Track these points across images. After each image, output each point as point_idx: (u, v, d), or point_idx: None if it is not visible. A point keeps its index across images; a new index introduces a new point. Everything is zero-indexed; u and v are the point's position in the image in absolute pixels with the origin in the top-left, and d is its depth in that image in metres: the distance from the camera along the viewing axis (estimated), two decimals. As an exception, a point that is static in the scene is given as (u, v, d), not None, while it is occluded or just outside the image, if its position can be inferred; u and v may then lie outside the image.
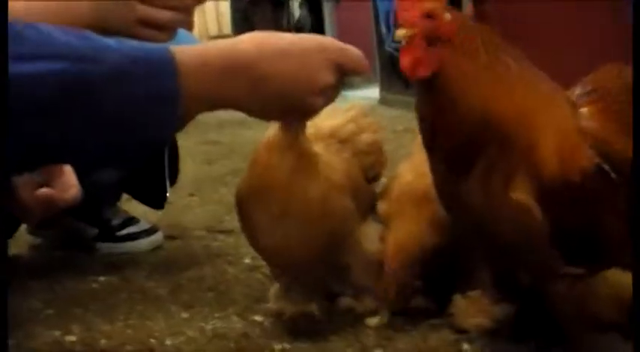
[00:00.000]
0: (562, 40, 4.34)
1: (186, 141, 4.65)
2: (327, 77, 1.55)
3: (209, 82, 1.45)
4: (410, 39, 1.56)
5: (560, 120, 1.62)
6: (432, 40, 1.56)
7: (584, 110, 1.69)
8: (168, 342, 2.01)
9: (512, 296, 1.81)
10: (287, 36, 1.57)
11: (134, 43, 1.46)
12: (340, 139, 2.05)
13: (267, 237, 1.85)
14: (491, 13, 4.89)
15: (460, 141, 1.57)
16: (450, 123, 1.57)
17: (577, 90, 1.77)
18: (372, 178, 2.12)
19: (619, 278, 1.56)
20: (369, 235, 1.99)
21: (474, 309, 1.90)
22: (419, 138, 1.78)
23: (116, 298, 2.30)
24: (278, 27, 8.20)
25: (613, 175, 1.57)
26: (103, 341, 2.02)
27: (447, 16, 1.56)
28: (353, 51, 1.63)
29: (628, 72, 1.72)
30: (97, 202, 2.70)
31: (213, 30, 10.34)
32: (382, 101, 6.62)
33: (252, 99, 1.54)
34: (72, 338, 2.04)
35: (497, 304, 1.84)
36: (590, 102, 1.72)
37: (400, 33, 1.57)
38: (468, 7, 5.15)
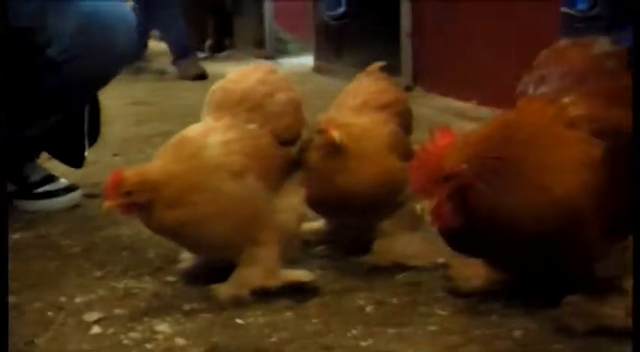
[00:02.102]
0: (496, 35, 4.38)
1: (117, 102, 4.61)
2: None
3: None
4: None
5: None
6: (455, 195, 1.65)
7: (566, 100, 1.75)
8: (78, 300, 2.00)
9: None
10: None
11: None
12: (249, 106, 2.03)
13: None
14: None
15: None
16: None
17: (545, 73, 1.84)
18: (289, 140, 2.09)
19: None
20: (283, 209, 2.00)
21: (471, 273, 1.96)
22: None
23: (28, 255, 2.28)
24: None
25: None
26: (12, 298, 1.99)
27: (464, 166, 1.64)
28: None
29: (587, 49, 1.82)
30: (16, 159, 2.66)
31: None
32: (316, 69, 6.60)
33: None
34: (-20, 294, 2.02)
35: (493, 269, 1.92)
36: (570, 89, 1.77)
37: (424, 207, 1.77)
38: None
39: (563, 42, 1.92)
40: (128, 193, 1.82)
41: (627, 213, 1.62)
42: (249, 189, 1.91)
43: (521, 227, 1.63)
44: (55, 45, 2.45)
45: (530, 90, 1.83)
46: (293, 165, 2.08)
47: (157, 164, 1.91)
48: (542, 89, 1.81)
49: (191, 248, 2.05)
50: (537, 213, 1.62)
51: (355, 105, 2.18)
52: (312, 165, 2.04)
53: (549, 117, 1.72)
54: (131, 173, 1.84)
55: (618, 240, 1.67)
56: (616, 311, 1.72)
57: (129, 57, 2.63)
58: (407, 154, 2.06)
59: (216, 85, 2.09)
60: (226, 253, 1.97)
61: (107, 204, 1.83)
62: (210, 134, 1.94)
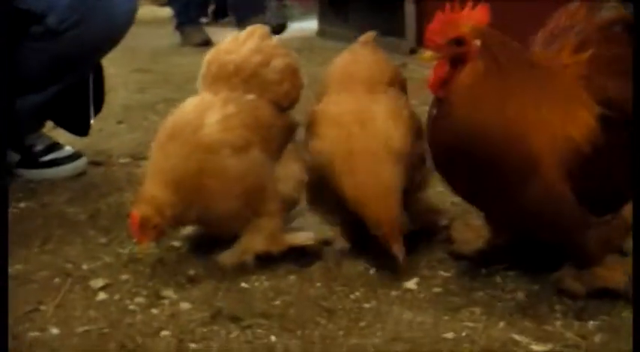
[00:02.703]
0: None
1: (119, 70, 4.60)
2: None
3: None
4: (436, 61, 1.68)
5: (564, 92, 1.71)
6: (455, 63, 1.67)
7: (573, 63, 1.77)
8: (84, 267, 2.02)
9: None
10: None
11: None
12: (245, 76, 2.00)
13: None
14: None
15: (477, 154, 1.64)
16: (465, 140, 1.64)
17: (556, 34, 1.85)
18: (289, 105, 2.09)
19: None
20: (286, 177, 2.00)
21: (473, 235, 1.97)
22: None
23: (34, 224, 2.29)
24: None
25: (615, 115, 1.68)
26: (18, 266, 2.01)
27: (476, 42, 1.65)
28: None
29: (595, 11, 1.84)
30: (20, 128, 2.66)
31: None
32: (320, 33, 6.56)
33: None
34: (-14, 263, 2.03)
35: (495, 232, 1.93)
36: (576, 52, 1.79)
37: (425, 55, 1.69)
38: None
39: (574, 3, 1.91)
40: (155, 227, 1.86)
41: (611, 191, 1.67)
42: (253, 162, 1.91)
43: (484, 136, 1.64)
44: (53, 14, 2.44)
45: (540, 47, 1.85)
46: (292, 131, 2.08)
47: (159, 169, 1.91)
48: (551, 46, 1.83)
49: (199, 225, 2.06)
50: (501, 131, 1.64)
51: (364, 81, 2.07)
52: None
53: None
54: (145, 208, 1.85)
55: (598, 214, 1.69)
56: (615, 274, 1.74)
57: (129, 23, 2.61)
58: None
59: (210, 56, 2.07)
60: (233, 227, 1.97)
61: (142, 246, 1.97)
62: (208, 111, 1.92)
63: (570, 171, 1.63)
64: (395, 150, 1.91)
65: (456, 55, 1.67)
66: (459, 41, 1.66)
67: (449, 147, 1.68)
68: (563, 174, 1.63)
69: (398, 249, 1.84)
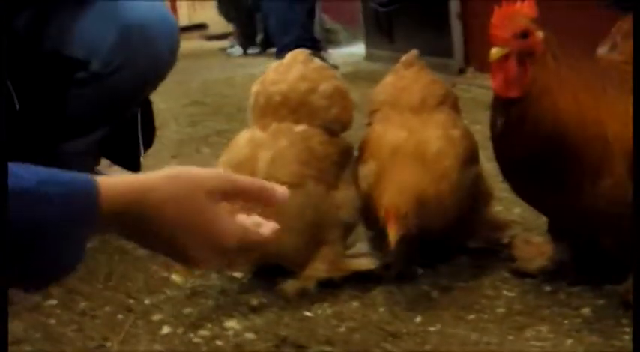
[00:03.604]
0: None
1: (171, 104, 4.66)
2: (229, 240, 1.32)
3: (120, 228, 1.29)
4: (503, 58, 1.64)
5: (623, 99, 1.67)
6: (523, 58, 1.64)
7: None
8: (147, 301, 2.03)
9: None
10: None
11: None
12: (294, 106, 1.99)
13: None
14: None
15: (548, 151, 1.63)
16: (542, 137, 1.63)
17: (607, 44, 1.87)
18: (341, 129, 2.08)
19: None
20: (344, 203, 1.99)
21: (535, 252, 1.95)
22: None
23: (96, 260, 2.31)
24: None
25: None
26: (82, 304, 2.03)
27: (540, 34, 1.64)
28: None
29: None
30: (72, 169, 2.68)
31: None
32: (368, 57, 6.58)
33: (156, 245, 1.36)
34: (52, 302, 2.06)
35: (557, 247, 1.91)
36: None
37: (494, 52, 1.64)
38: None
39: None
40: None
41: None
42: (310, 196, 1.91)
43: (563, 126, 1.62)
44: (97, 59, 2.47)
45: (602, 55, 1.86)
46: (347, 156, 2.07)
47: None
48: (612, 56, 1.84)
49: (264, 261, 2.04)
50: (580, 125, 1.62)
51: (414, 104, 2.04)
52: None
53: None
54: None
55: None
56: None
57: (172, 61, 2.62)
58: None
59: (257, 88, 2.06)
60: (296, 260, 1.97)
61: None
62: (260, 148, 1.91)
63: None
64: (440, 169, 1.89)
65: (525, 48, 1.64)
66: (524, 34, 1.63)
67: (531, 151, 1.66)
68: (629, 168, 1.61)
69: (392, 234, 1.76)
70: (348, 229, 2.00)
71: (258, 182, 1.39)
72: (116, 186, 1.24)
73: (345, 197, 1.99)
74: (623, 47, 1.81)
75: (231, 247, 1.32)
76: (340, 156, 2.03)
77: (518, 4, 1.66)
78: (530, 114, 1.64)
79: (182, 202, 1.27)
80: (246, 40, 8.02)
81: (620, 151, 1.62)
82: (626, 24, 1.87)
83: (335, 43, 7.64)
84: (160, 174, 1.30)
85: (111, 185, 1.23)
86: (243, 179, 1.37)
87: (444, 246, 2.10)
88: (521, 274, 1.96)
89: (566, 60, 1.67)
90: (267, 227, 1.39)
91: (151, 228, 1.27)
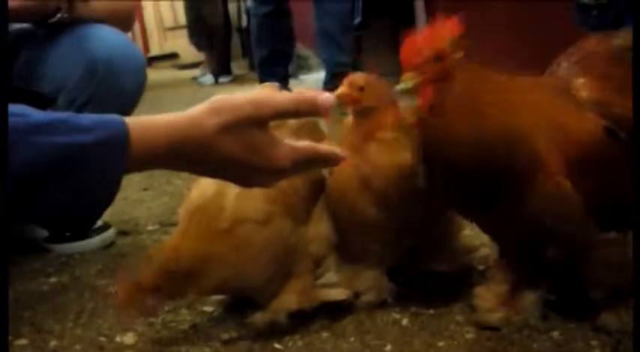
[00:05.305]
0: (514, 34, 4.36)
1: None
2: (283, 162, 1.37)
3: (157, 164, 1.36)
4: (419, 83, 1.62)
5: (557, 104, 1.69)
6: (438, 81, 1.61)
7: (580, 81, 1.75)
8: (117, 339, 2.02)
9: (535, 277, 1.85)
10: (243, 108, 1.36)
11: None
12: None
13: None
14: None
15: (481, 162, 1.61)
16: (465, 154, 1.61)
17: (564, 63, 1.83)
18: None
19: None
20: (314, 237, 1.98)
21: (497, 302, 1.88)
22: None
23: (66, 298, 2.30)
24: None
25: (621, 134, 1.64)
26: (53, 342, 2.02)
27: (457, 55, 1.61)
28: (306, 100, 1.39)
29: (607, 40, 1.82)
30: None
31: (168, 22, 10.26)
32: (339, 82, 6.60)
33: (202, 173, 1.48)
34: (22, 341, 2.04)
35: (521, 293, 1.86)
36: (583, 71, 1.77)
37: (407, 79, 1.61)
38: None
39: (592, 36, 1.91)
40: None
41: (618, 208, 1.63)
42: (277, 231, 1.89)
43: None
44: (62, 96, 2.47)
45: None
46: (318, 187, 2.06)
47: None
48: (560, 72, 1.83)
49: (229, 295, 2.07)
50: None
51: None
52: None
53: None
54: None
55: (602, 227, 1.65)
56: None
57: (139, 94, 2.62)
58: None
59: None
60: (264, 294, 1.95)
61: None
62: (227, 186, 1.85)
63: (574, 171, 1.61)
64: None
65: (439, 72, 1.61)
66: (438, 57, 1.60)
67: (459, 174, 1.64)
68: (567, 173, 1.60)
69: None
70: (317, 262, 2.00)
71: (295, 98, 1.37)
72: (155, 123, 1.36)
73: (315, 231, 1.98)
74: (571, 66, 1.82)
75: (287, 168, 1.37)
76: (309, 191, 2.01)
77: (443, 23, 1.62)
78: (451, 135, 1.61)
79: (232, 134, 1.32)
80: (219, 68, 8.02)
81: (555, 159, 1.60)
82: (586, 43, 1.88)
83: (306, 68, 7.66)
84: (203, 108, 1.35)
85: (147, 122, 1.38)
86: (281, 100, 1.37)
87: (413, 271, 2.10)
88: (480, 326, 1.87)
89: (496, 77, 1.66)
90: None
91: (202, 161, 1.33)
